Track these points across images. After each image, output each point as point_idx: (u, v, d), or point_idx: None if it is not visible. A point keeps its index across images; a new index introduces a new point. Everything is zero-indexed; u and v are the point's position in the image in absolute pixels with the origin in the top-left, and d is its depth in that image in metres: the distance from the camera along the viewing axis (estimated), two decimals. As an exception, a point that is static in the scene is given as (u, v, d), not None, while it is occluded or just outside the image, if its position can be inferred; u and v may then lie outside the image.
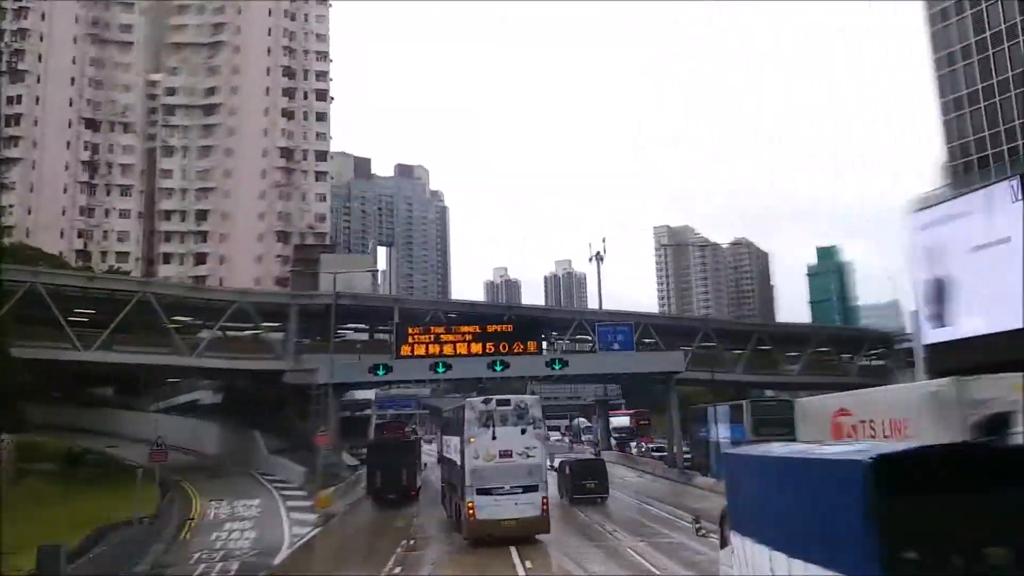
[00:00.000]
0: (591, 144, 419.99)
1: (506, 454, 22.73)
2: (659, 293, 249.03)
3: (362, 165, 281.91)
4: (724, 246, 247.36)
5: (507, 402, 23.90)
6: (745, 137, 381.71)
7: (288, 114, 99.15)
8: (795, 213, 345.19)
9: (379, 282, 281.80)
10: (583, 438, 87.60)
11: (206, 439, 53.24)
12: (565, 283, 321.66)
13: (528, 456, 22.83)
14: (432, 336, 45.74)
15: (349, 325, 55.05)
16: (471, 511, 22.54)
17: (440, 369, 44.16)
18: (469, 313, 53.48)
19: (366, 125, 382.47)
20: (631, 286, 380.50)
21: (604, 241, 72.39)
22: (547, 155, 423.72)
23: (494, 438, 22.78)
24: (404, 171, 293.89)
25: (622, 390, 78.38)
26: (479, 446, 22.86)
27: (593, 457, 45.54)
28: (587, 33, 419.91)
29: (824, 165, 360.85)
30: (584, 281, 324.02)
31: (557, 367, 45.07)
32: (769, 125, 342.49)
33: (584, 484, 34.11)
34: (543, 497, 23.01)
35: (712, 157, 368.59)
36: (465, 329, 45.98)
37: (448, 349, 45.54)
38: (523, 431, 23.00)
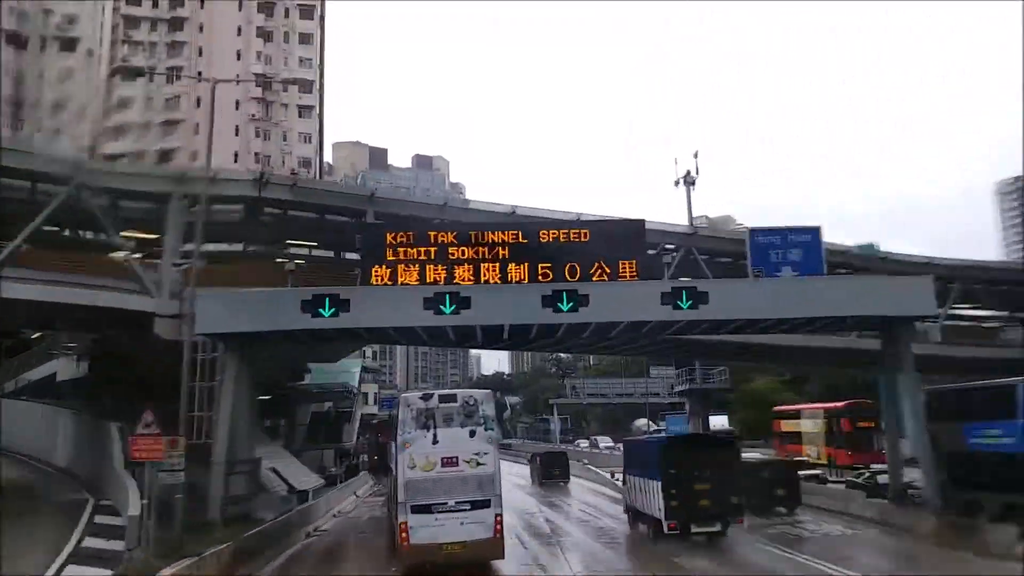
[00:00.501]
0: (618, 137, 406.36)
1: (450, 462, 18.09)
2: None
3: (378, 155, 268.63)
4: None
5: (452, 398, 19.23)
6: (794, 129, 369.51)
7: (265, 35, 79.06)
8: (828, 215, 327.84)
9: None
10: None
11: (61, 438, 31.94)
12: None
13: (478, 464, 18.19)
14: (433, 247, 24.20)
15: (298, 241, 33.23)
16: (404, 534, 17.86)
17: (447, 308, 22.58)
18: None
19: (383, 114, 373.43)
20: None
21: (696, 158, 44.36)
22: (570, 149, 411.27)
23: (435, 442, 18.20)
24: (423, 162, 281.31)
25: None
26: (416, 452, 18.22)
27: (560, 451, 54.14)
28: (614, 24, 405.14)
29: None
30: None
31: (685, 305, 22.58)
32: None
33: (551, 471, 45.19)
34: (496, 515, 18.10)
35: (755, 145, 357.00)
36: (498, 237, 24.47)
37: (464, 273, 24.16)
38: (472, 433, 18.35)
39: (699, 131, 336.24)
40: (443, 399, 19.17)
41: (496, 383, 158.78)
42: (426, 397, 19.19)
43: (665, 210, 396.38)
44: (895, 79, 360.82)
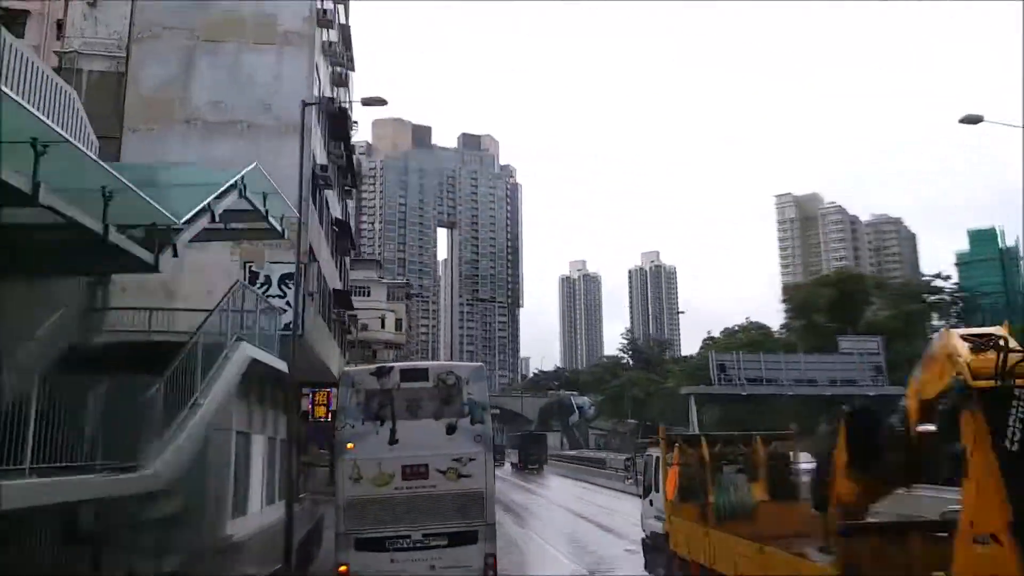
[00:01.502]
0: (684, 116, 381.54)
1: (416, 472, 12.88)
2: (784, 279, 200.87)
3: (421, 134, 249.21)
4: (863, 221, 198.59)
5: (421, 374, 14.00)
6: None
7: None
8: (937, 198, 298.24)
9: (439, 272, 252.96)
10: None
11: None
12: (653, 278, 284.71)
13: (459, 476, 12.95)
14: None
15: None
16: None
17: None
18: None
19: (427, 91, 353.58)
20: (746, 272, 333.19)
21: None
22: (631, 132, 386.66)
23: (393, 442, 12.95)
24: (470, 141, 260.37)
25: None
26: (364, 457, 12.87)
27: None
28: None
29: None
30: (674, 275, 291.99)
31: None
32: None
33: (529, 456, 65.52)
34: (487, 555, 12.86)
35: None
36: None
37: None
38: (450, 428, 13.18)
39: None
40: (407, 375, 13.58)
41: (558, 381, 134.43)
42: (381, 372, 13.52)
43: (785, 183, 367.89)
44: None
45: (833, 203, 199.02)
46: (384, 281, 71.61)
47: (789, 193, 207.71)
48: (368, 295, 64.24)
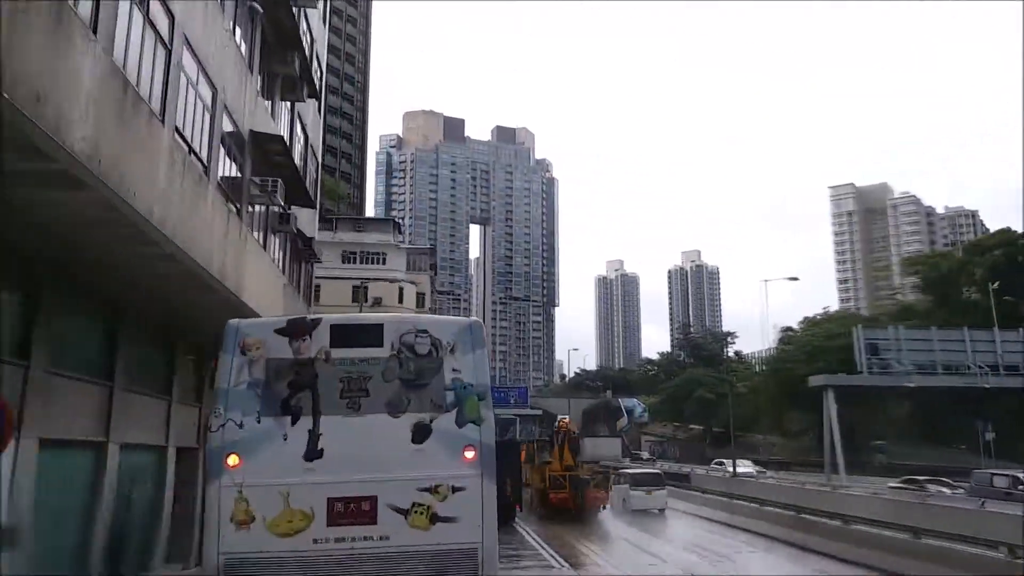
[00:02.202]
0: (726, 110, 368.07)
1: (355, 512, 7.78)
2: (839, 276, 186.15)
3: (454, 126, 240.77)
4: (940, 212, 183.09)
5: (368, 333, 8.45)
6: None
7: None
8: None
9: (471, 270, 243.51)
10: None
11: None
12: (694, 278, 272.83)
13: (435, 519, 7.92)
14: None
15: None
16: None
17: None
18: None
19: (462, 84, 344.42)
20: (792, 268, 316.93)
21: None
22: (671, 127, 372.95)
23: (314, 455, 7.86)
24: (504, 134, 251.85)
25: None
26: (257, 481, 7.73)
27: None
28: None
29: None
30: (716, 275, 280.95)
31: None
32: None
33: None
34: None
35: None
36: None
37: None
38: (419, 432, 8.10)
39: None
40: (343, 336, 8.28)
41: (602, 382, 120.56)
42: (296, 328, 8.18)
43: (840, 174, 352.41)
44: None
45: (907, 193, 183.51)
46: (403, 247, 59.24)
47: (850, 184, 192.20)
48: (382, 262, 51.99)
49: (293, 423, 7.80)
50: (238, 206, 12.38)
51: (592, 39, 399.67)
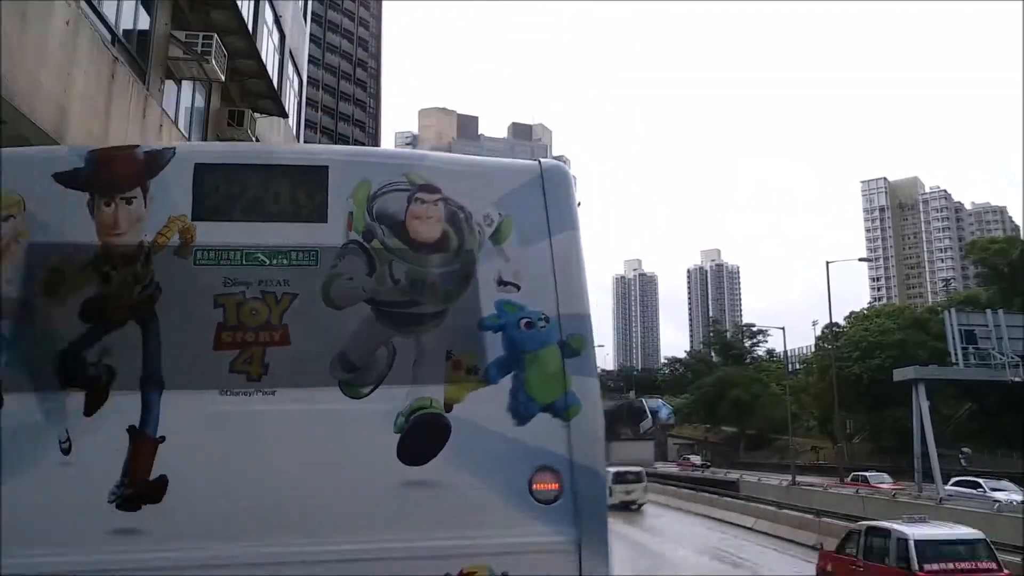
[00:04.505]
0: (744, 106, 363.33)
1: None
2: (871, 273, 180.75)
3: (467, 124, 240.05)
4: (968, 208, 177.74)
5: (299, 183, 3.30)
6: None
7: None
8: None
9: None
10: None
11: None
12: (714, 277, 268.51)
13: None
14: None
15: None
16: None
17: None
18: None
19: (478, 81, 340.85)
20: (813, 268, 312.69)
21: None
22: (689, 125, 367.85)
23: (140, 490, 2.90)
24: (520, 131, 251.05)
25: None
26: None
27: None
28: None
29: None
30: (737, 274, 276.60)
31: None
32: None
33: None
34: None
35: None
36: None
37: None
38: (423, 432, 3.07)
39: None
40: (231, 189, 3.23)
41: (624, 382, 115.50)
42: (112, 168, 3.13)
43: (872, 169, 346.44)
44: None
45: (937, 187, 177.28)
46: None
47: (883, 178, 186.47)
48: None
49: (89, 410, 3.15)
50: (144, 67, 7.66)
51: (610, 33, 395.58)
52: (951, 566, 11.19)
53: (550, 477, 3.33)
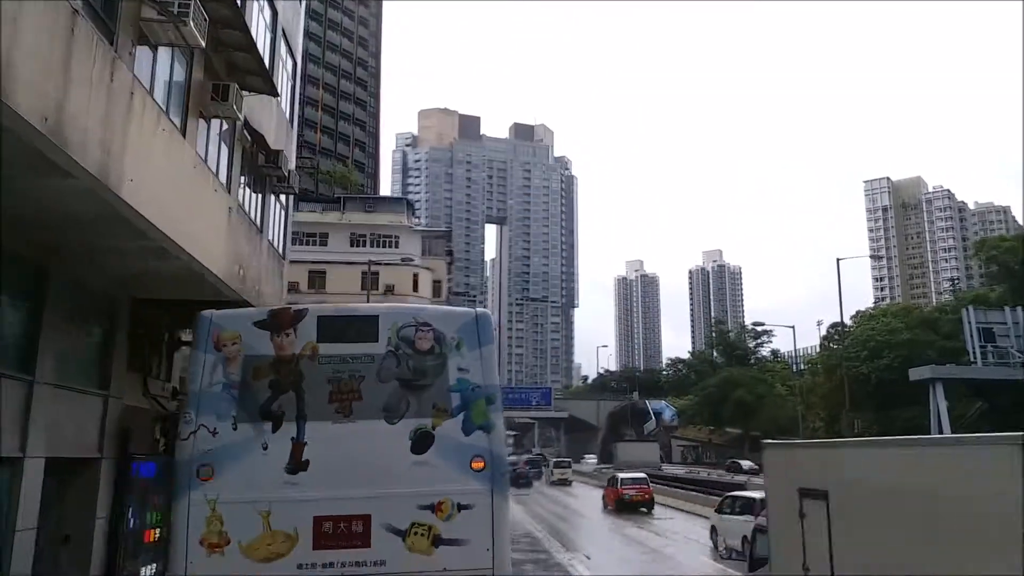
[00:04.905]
0: (746, 106, 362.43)
1: (345, 533, 6.83)
2: (874, 273, 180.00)
3: (469, 124, 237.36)
4: (971, 208, 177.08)
5: (361, 327, 7.47)
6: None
7: None
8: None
9: (487, 271, 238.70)
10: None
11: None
12: (715, 278, 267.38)
13: (439, 540, 6.98)
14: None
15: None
16: None
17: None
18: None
19: (477, 81, 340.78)
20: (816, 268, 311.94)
21: None
22: (692, 124, 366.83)
23: (298, 467, 6.94)
24: (522, 132, 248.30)
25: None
26: (232, 498, 6.74)
27: None
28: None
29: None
30: (739, 275, 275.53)
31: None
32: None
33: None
34: None
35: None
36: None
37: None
38: (420, 440, 7.15)
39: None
40: (332, 329, 7.41)
41: (627, 383, 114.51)
42: (278, 320, 7.32)
43: (876, 169, 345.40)
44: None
45: (940, 187, 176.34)
46: (418, 228, 53.47)
47: (885, 178, 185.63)
48: (395, 246, 46.37)
49: (274, 430, 6.95)
50: (111, 26, 6.87)
51: (611, 33, 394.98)
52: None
53: (479, 460, 7.00)
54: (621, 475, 34.23)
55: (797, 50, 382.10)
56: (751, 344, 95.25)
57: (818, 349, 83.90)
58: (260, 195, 11.75)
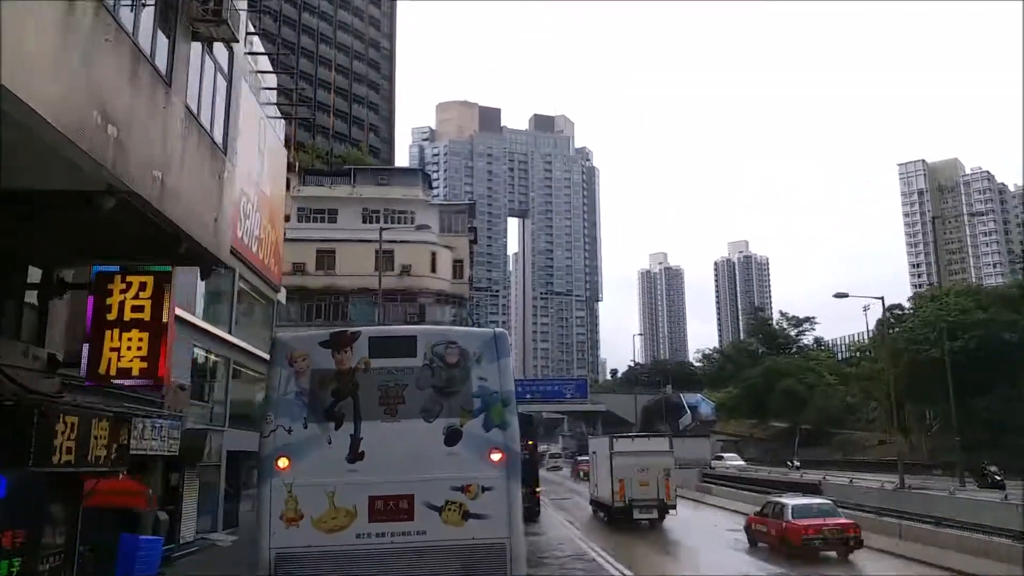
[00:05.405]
0: (770, 93, 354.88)
1: (394, 509, 8.79)
2: (910, 259, 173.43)
3: (489, 116, 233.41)
4: (1011, 189, 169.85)
5: (402, 345, 9.55)
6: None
7: None
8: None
9: (509, 266, 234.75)
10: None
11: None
12: (742, 269, 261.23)
13: (468, 516, 8.85)
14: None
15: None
16: None
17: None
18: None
19: (496, 72, 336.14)
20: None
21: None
22: (715, 112, 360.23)
23: (356, 457, 8.93)
24: (542, 123, 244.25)
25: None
26: (305, 482, 8.76)
27: None
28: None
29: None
30: (766, 266, 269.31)
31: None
32: None
33: None
34: None
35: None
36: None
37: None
38: (451, 435, 9.09)
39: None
40: (380, 347, 9.44)
41: (659, 376, 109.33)
42: (337, 341, 9.35)
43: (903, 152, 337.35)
44: None
45: (979, 168, 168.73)
46: (435, 203, 48.70)
47: (921, 160, 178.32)
48: (411, 221, 41.69)
49: (336, 428, 8.84)
50: None
51: (631, 21, 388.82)
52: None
53: (497, 452, 8.91)
54: (792, 500, 20.40)
55: (827, 30, 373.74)
56: (792, 332, 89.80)
57: (869, 335, 78.31)
58: (170, 38, 7.07)
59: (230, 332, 20.72)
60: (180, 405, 16.87)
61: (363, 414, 8.78)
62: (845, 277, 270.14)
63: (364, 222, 40.54)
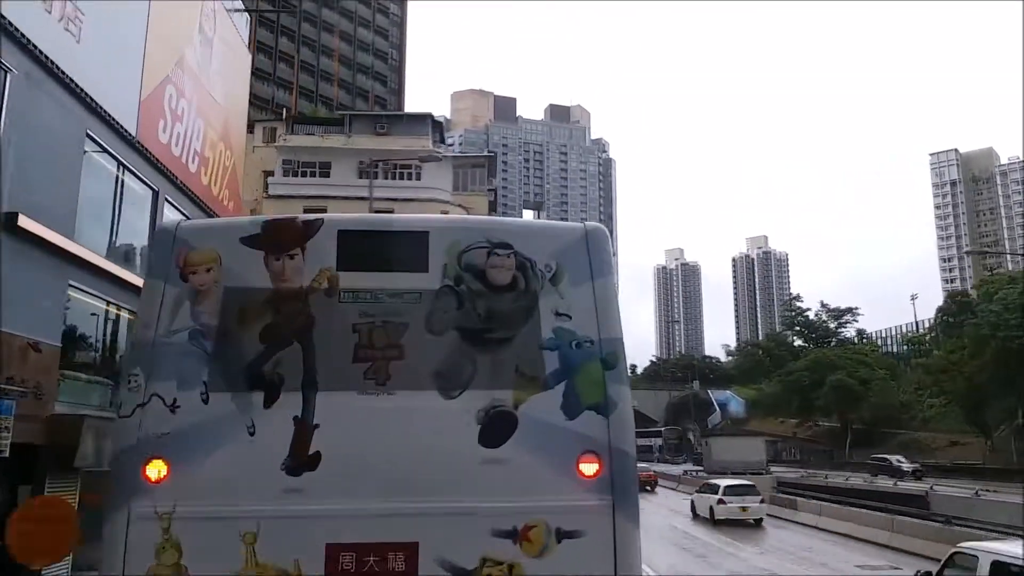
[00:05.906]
0: (789, 85, 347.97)
1: (376, 572, 4.27)
2: (941, 253, 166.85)
3: (504, 105, 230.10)
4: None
5: (401, 245, 4.88)
6: None
7: None
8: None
9: None
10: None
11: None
12: (761, 265, 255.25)
13: None
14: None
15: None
16: None
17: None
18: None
19: (512, 61, 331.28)
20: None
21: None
22: (734, 104, 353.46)
23: (303, 464, 4.40)
24: (558, 113, 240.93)
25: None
26: (194, 509, 4.25)
27: None
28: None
29: None
30: (786, 262, 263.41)
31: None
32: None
33: None
34: None
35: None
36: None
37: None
38: (499, 424, 4.50)
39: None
40: (362, 248, 4.90)
41: (684, 371, 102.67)
42: (279, 233, 4.85)
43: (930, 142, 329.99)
44: None
45: (1017, 158, 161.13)
46: (448, 154, 42.60)
47: (953, 150, 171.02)
48: (417, 177, 35.42)
49: (267, 405, 4.47)
50: None
51: (650, 10, 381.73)
52: None
53: (592, 457, 4.49)
54: None
55: (853, 15, 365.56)
56: (831, 325, 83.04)
57: (914, 327, 71.64)
58: None
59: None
60: (36, 376, 10.59)
61: (321, 379, 4.49)
62: (867, 272, 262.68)
63: (361, 177, 34.39)
